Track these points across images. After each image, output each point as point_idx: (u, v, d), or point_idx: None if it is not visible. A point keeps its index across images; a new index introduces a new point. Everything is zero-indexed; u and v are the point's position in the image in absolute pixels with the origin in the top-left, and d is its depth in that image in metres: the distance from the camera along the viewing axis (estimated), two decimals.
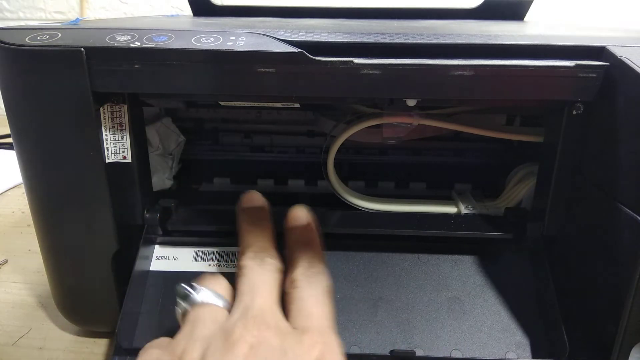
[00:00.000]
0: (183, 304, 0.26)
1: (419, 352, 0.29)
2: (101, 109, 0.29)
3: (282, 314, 0.26)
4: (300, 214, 0.31)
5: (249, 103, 0.34)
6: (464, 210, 0.37)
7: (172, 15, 0.58)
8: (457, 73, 0.26)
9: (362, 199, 0.38)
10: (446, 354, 0.29)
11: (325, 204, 0.37)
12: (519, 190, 0.37)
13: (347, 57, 0.26)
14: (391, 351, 0.29)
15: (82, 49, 0.26)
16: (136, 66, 0.27)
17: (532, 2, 0.51)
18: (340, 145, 0.38)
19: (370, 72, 0.26)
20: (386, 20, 0.45)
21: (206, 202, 0.38)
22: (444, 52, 0.27)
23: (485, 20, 0.48)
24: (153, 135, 0.40)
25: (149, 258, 0.33)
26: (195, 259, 0.33)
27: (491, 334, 0.30)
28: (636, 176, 0.25)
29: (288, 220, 0.31)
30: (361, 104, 0.37)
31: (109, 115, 0.30)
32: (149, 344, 0.26)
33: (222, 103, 0.34)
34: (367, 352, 0.29)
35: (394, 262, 0.33)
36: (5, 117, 0.29)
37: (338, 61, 0.26)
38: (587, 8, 0.82)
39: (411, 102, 0.31)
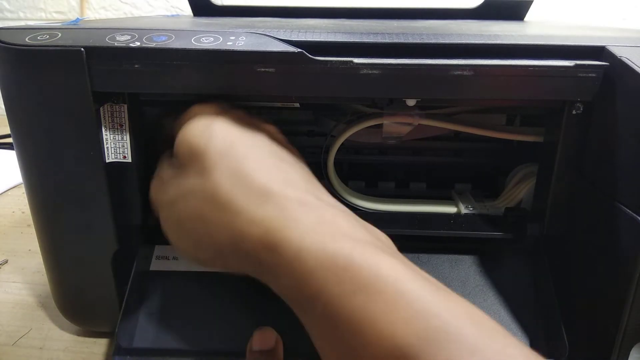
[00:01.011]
0: None
1: None
2: (101, 109, 0.29)
3: None
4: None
5: (249, 103, 0.34)
6: (464, 210, 0.37)
7: (172, 15, 0.58)
8: (457, 73, 0.26)
9: (362, 199, 0.39)
10: None
11: None
12: (519, 190, 0.37)
13: (347, 57, 0.26)
14: None
15: (82, 49, 0.26)
16: (136, 66, 0.27)
17: (532, 2, 0.51)
18: (340, 145, 0.38)
19: (370, 72, 0.26)
20: (386, 20, 0.45)
21: None
22: (444, 52, 0.27)
23: (485, 20, 0.48)
24: None
25: (149, 258, 0.33)
26: None
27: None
28: (636, 176, 0.25)
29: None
30: (361, 104, 0.37)
31: (109, 115, 0.30)
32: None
33: None
34: None
35: None
36: (5, 117, 0.29)
37: (338, 61, 0.26)
38: (587, 8, 0.82)
39: (411, 102, 0.31)
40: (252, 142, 0.26)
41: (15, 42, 0.27)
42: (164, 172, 0.28)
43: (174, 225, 0.27)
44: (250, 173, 0.24)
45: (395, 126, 0.37)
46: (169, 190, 0.27)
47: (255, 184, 0.24)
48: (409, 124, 0.36)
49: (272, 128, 0.29)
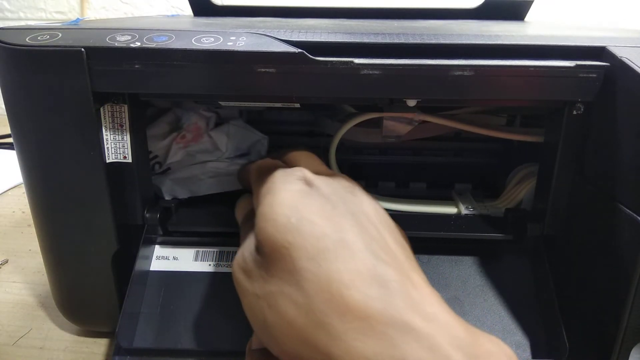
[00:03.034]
0: None
1: None
2: (101, 109, 0.29)
3: None
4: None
5: (249, 103, 0.34)
6: (464, 210, 0.37)
7: (172, 15, 0.58)
8: (457, 73, 0.26)
9: None
10: None
11: None
12: (519, 190, 0.37)
13: (347, 57, 0.26)
14: None
15: (83, 49, 0.26)
16: (136, 66, 0.27)
17: (532, 2, 0.51)
18: (341, 145, 0.38)
19: (370, 72, 0.26)
20: (386, 20, 0.45)
21: (207, 202, 0.38)
22: (444, 52, 0.27)
23: (486, 20, 0.48)
24: (220, 138, 0.39)
25: (149, 258, 0.33)
26: (196, 259, 0.33)
27: (491, 334, 0.30)
28: (636, 176, 0.25)
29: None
30: (349, 104, 0.37)
31: (109, 115, 0.30)
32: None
33: (222, 103, 0.34)
34: None
35: None
36: (6, 117, 0.29)
37: (338, 61, 0.26)
38: (587, 8, 0.82)
39: (411, 102, 0.31)
40: (342, 236, 0.22)
41: (15, 42, 0.27)
42: (247, 250, 0.24)
43: (259, 322, 0.23)
44: (345, 290, 0.20)
45: (392, 124, 0.37)
46: (253, 281, 0.23)
47: (351, 306, 0.20)
48: (405, 121, 0.36)
49: (356, 186, 0.26)
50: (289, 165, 0.29)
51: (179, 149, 0.38)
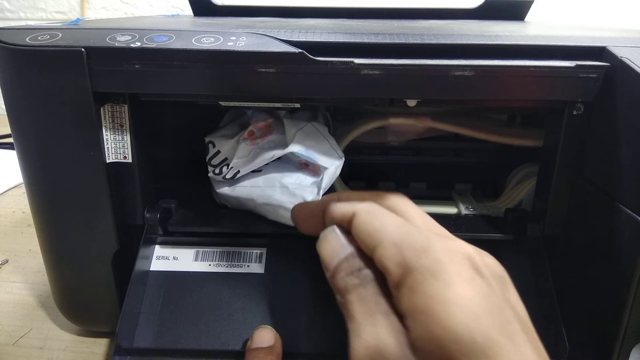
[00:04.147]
0: None
1: None
2: (102, 109, 0.29)
3: None
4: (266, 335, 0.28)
5: (249, 103, 0.34)
6: (464, 210, 0.37)
7: (173, 15, 0.58)
8: (457, 73, 0.26)
9: None
10: None
11: None
12: (520, 190, 0.37)
13: (347, 57, 0.26)
14: None
15: (83, 49, 0.26)
16: (136, 66, 0.27)
17: (532, 2, 0.51)
18: None
19: (371, 72, 0.26)
20: (386, 20, 0.45)
21: (206, 202, 0.38)
22: (444, 52, 0.27)
23: (486, 21, 0.48)
24: (291, 128, 0.35)
25: (149, 258, 0.33)
26: (196, 259, 0.33)
27: None
28: (636, 176, 0.25)
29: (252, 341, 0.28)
30: (367, 104, 0.37)
31: (110, 115, 0.30)
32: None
33: (222, 103, 0.34)
34: None
35: None
36: (6, 117, 0.29)
37: (338, 61, 0.26)
38: (587, 8, 0.82)
39: (411, 102, 0.31)
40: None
41: (15, 42, 0.27)
42: (393, 351, 0.19)
43: None
44: None
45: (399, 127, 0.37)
46: None
47: None
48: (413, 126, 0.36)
49: (497, 262, 0.23)
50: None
51: (246, 146, 0.36)
